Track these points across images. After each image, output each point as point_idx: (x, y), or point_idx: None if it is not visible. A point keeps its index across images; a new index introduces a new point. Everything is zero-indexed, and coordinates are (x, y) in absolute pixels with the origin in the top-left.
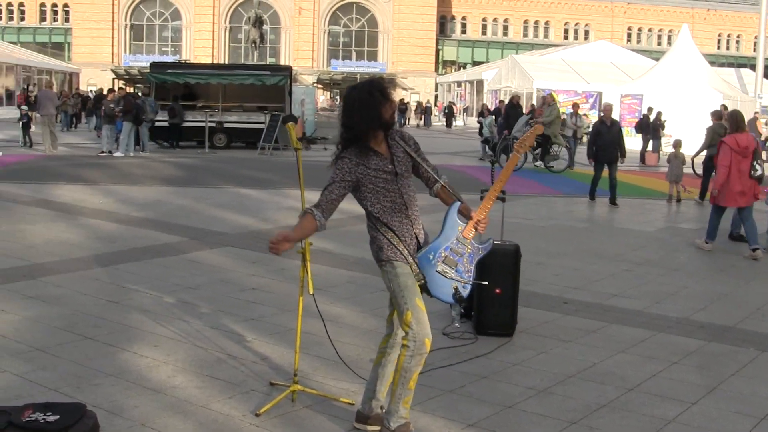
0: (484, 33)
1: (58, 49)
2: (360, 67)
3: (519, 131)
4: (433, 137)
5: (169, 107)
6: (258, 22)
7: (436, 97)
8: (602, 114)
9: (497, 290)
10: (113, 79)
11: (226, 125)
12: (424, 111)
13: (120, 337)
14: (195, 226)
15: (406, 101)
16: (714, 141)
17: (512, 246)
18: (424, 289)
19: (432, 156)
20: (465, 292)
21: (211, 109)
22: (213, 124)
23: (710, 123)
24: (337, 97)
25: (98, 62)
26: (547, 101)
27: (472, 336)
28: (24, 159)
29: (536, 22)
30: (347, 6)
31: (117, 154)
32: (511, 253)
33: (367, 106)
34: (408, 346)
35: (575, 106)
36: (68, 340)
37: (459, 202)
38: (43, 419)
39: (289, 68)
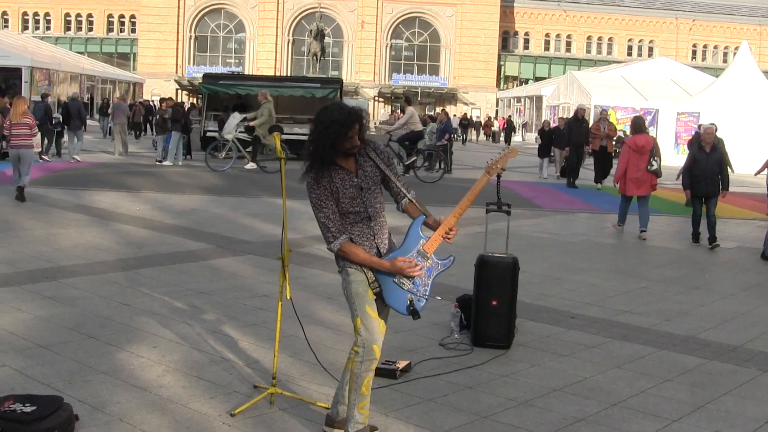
0: (546, 49)
1: (124, 59)
2: (422, 81)
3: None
4: (484, 151)
5: (219, 118)
6: (320, 35)
7: (497, 112)
8: (700, 137)
9: (493, 302)
10: (176, 89)
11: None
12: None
13: (121, 338)
14: (223, 234)
15: (468, 116)
16: None
17: (510, 258)
18: (380, 296)
19: (477, 171)
20: (419, 305)
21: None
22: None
23: None
24: (398, 110)
25: (162, 72)
26: (260, 100)
27: (468, 347)
28: (73, 166)
29: (599, 39)
30: (410, 20)
31: (165, 162)
32: (509, 266)
33: (326, 137)
34: (357, 351)
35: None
36: (72, 339)
37: (424, 216)
38: (20, 410)
39: (339, 81)
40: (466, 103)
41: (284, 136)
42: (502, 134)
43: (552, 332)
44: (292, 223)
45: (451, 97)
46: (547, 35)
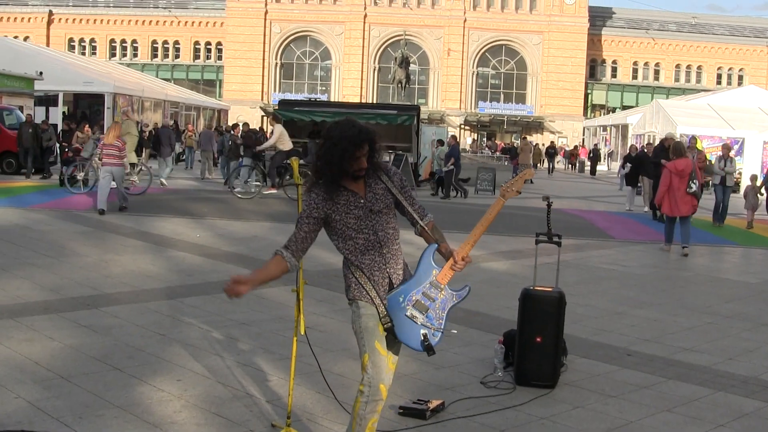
0: (634, 77)
1: (210, 86)
2: (507, 110)
3: None
4: (570, 180)
5: (301, 145)
6: (405, 62)
7: (583, 141)
8: None
9: (538, 338)
10: (262, 116)
11: None
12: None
13: (147, 370)
14: None
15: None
16: None
17: (556, 293)
18: (391, 332)
19: (561, 199)
20: (434, 340)
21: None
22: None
23: None
24: (484, 140)
25: (248, 100)
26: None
27: (511, 386)
28: (142, 191)
29: (688, 67)
30: (496, 48)
31: (237, 189)
32: (554, 300)
33: (332, 154)
34: (363, 391)
35: (725, 148)
36: (96, 370)
37: (436, 244)
38: None
39: (416, 108)
40: (552, 132)
41: None
42: (588, 163)
43: (603, 370)
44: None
45: (537, 125)
46: (635, 63)
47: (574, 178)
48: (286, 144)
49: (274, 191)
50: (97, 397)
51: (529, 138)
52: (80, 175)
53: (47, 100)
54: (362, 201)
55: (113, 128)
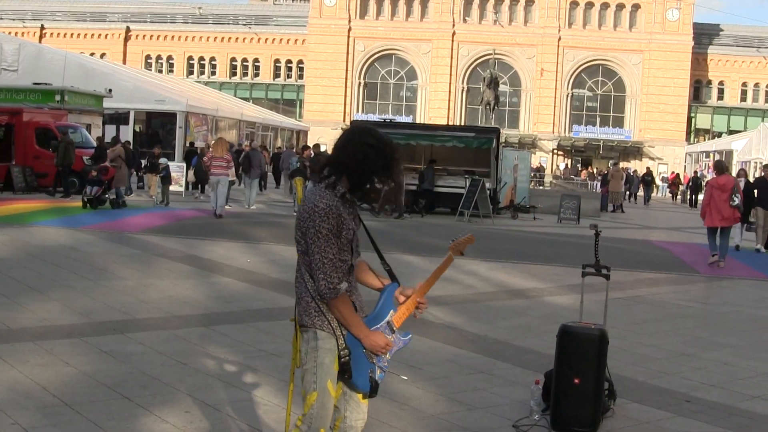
0: (743, 99)
1: (290, 105)
2: (604, 134)
3: None
4: (667, 210)
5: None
6: (493, 83)
7: (684, 168)
8: None
9: (576, 379)
10: None
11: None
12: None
13: (156, 400)
14: None
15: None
16: None
17: (597, 330)
18: (345, 369)
19: (651, 230)
20: (379, 379)
21: (413, 171)
22: (414, 188)
23: None
24: (578, 166)
25: (329, 120)
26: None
27: (546, 431)
28: (199, 215)
29: None
30: (593, 68)
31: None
32: (595, 340)
33: (375, 163)
34: (300, 428)
35: None
36: (104, 398)
37: (397, 284)
38: None
39: (496, 130)
40: (652, 158)
41: (438, 189)
42: (688, 192)
43: (655, 417)
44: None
45: (635, 150)
46: (744, 84)
47: (674, 207)
48: None
49: None
50: (96, 427)
51: (625, 165)
52: (108, 196)
53: (118, 118)
54: (351, 224)
55: (220, 143)
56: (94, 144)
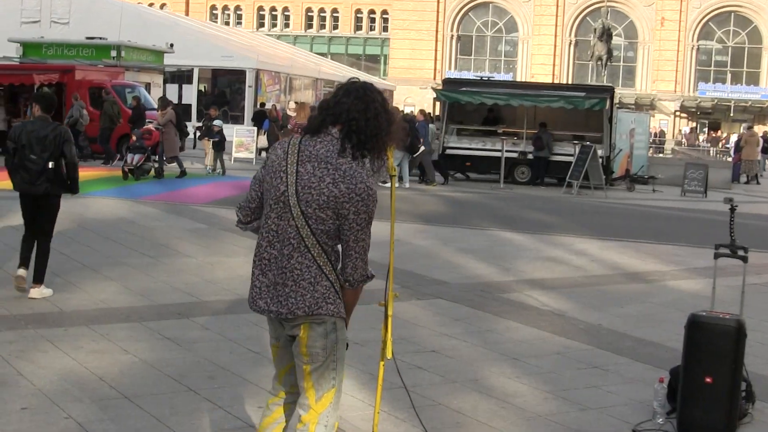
0: None
1: (373, 62)
2: (736, 93)
3: None
4: None
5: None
6: (606, 35)
7: None
8: None
9: (708, 379)
10: (433, 99)
11: (530, 156)
12: None
13: (226, 394)
14: (417, 272)
15: None
16: None
17: (732, 322)
18: None
19: None
20: None
21: (513, 136)
22: (514, 155)
23: None
24: (705, 129)
25: (417, 78)
26: None
27: None
28: None
29: None
30: (723, 16)
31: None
32: (731, 332)
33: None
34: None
35: None
36: (167, 390)
37: None
38: None
39: (610, 89)
40: None
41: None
42: None
43: None
44: (507, 262)
45: None
46: None
47: None
48: None
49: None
50: (158, 423)
51: (762, 128)
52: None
53: (180, 77)
54: None
55: (304, 108)
56: (154, 105)
